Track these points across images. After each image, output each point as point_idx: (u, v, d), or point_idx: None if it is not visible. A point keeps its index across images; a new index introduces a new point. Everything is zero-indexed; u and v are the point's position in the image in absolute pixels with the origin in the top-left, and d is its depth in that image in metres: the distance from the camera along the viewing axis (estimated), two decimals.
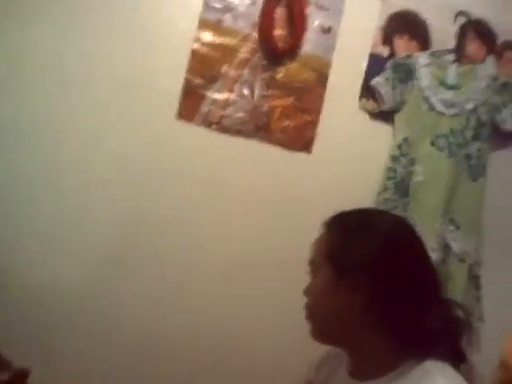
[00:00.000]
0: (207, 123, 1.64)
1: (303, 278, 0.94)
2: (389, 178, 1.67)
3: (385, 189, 1.67)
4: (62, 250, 1.58)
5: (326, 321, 0.91)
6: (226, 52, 1.66)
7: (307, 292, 0.94)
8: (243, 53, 1.66)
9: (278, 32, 1.68)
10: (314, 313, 0.92)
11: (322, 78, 1.70)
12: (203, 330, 1.62)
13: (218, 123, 1.64)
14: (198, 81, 1.63)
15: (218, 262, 1.64)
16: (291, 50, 1.69)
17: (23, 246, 1.56)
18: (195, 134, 1.63)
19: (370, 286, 0.85)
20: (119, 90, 1.59)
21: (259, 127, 1.66)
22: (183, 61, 1.62)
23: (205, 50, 1.64)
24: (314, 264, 0.94)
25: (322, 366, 1.05)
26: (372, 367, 0.89)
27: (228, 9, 1.65)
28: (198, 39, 1.63)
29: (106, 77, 1.58)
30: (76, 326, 1.56)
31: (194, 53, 1.64)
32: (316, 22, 1.71)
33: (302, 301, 0.92)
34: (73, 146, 1.59)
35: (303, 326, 0.91)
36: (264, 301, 1.66)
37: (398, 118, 1.71)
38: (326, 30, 1.72)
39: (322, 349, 0.99)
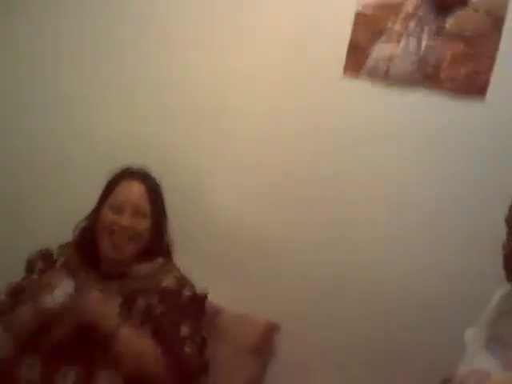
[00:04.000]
0: (373, 77, 1.67)
1: None
2: None
3: None
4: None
5: None
6: (390, 10, 1.67)
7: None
8: (408, 8, 1.67)
9: None
10: None
11: (496, 22, 1.61)
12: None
13: (384, 76, 1.66)
14: (363, 38, 1.68)
15: (372, 226, 1.69)
16: None
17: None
18: (361, 89, 1.67)
19: None
20: (288, 50, 1.72)
21: (427, 76, 1.64)
22: (348, 22, 1.69)
23: (369, 10, 1.69)
24: None
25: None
26: None
27: None
28: (360, 2, 1.68)
29: (273, 36, 1.73)
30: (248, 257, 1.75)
31: (357, 15, 1.69)
32: None
33: None
34: (238, 105, 1.76)
35: None
36: None
37: None
38: None
39: None
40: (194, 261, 1.64)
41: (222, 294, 1.66)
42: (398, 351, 1.68)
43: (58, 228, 1.62)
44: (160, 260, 1.56)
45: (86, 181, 1.77)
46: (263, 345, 1.71)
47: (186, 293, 1.50)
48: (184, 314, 1.44)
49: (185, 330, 1.41)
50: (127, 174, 1.57)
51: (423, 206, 1.66)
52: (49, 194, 1.88)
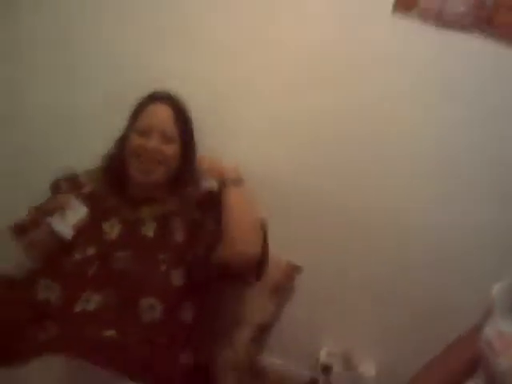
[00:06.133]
0: (425, 17, 1.58)
1: None
2: None
3: None
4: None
5: None
6: None
7: None
8: None
9: None
10: None
11: None
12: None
13: (436, 17, 1.58)
14: None
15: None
16: None
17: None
18: (412, 30, 1.59)
19: None
20: None
21: (481, 19, 1.55)
22: None
23: None
24: None
25: None
26: None
27: None
28: None
29: None
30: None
31: None
32: None
33: None
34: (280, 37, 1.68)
35: None
36: None
37: None
38: None
39: None
40: None
41: None
42: (417, 295, 1.69)
43: (85, 156, 1.60)
44: (190, 190, 1.54)
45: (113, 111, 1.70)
46: (283, 285, 1.70)
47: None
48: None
49: None
50: (154, 97, 1.53)
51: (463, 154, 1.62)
52: (74, 122, 1.83)
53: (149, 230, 1.42)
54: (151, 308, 1.29)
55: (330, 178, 1.70)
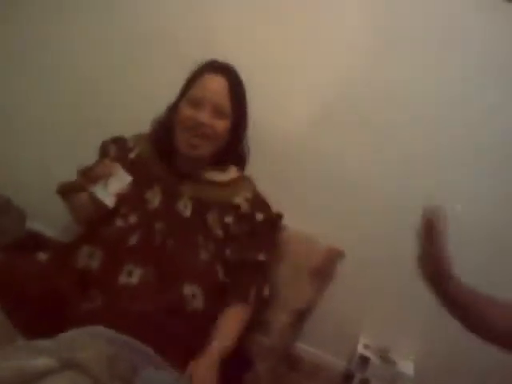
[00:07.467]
0: None
1: None
2: None
3: None
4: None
5: None
6: None
7: None
8: None
9: None
10: None
11: None
12: None
13: None
14: None
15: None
16: None
17: None
18: None
19: None
20: None
21: None
22: None
23: None
24: None
25: None
26: None
27: None
28: None
29: None
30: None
31: None
32: None
33: None
34: None
35: None
36: None
37: None
38: None
39: None
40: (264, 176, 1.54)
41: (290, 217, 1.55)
42: None
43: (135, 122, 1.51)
44: (233, 170, 1.46)
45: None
46: (324, 270, 1.60)
47: (258, 217, 1.41)
48: (259, 241, 1.39)
49: (261, 256, 1.38)
50: (211, 67, 1.41)
51: None
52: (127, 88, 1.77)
53: (184, 208, 1.35)
54: (193, 297, 1.23)
55: (386, 164, 1.65)
